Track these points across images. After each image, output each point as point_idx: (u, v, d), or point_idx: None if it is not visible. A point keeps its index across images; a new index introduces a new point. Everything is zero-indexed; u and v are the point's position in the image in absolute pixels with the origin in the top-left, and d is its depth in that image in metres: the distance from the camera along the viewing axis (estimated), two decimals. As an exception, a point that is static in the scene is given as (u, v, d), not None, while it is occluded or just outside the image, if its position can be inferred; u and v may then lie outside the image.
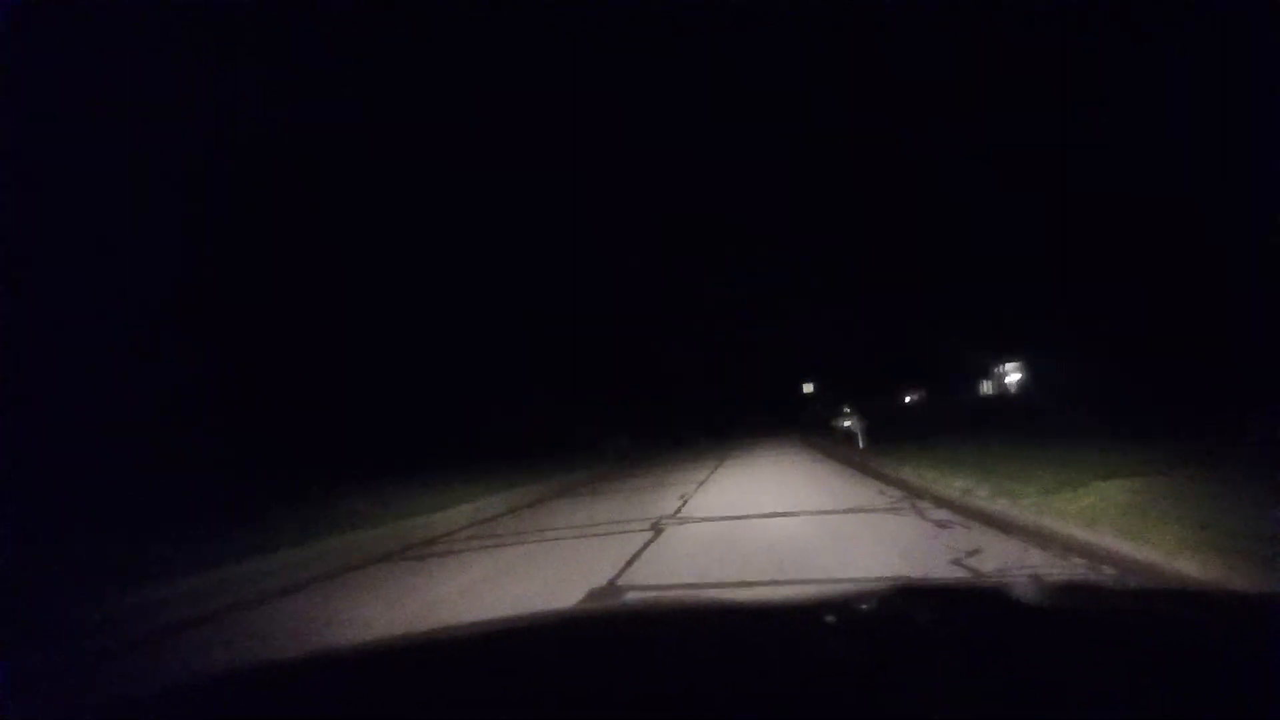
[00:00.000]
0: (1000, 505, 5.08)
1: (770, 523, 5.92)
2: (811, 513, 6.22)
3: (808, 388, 28.20)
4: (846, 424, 13.82)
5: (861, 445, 13.17)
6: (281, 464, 15.72)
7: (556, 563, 5.26)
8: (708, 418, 46.20)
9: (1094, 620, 1.01)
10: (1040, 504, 4.81)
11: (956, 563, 3.74)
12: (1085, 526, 3.96)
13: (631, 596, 3.87)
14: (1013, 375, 46.80)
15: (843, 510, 6.17)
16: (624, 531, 6.46)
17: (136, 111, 18.52)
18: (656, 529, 6.40)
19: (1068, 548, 3.77)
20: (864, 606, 1.20)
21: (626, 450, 21.18)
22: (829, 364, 34.27)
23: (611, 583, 4.28)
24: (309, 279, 24.22)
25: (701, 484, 10.52)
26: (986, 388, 50.61)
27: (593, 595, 3.95)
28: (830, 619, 1.14)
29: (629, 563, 4.86)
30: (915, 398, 49.16)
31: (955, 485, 6.33)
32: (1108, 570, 3.31)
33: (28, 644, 4.24)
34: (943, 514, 5.42)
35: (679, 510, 7.71)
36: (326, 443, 19.47)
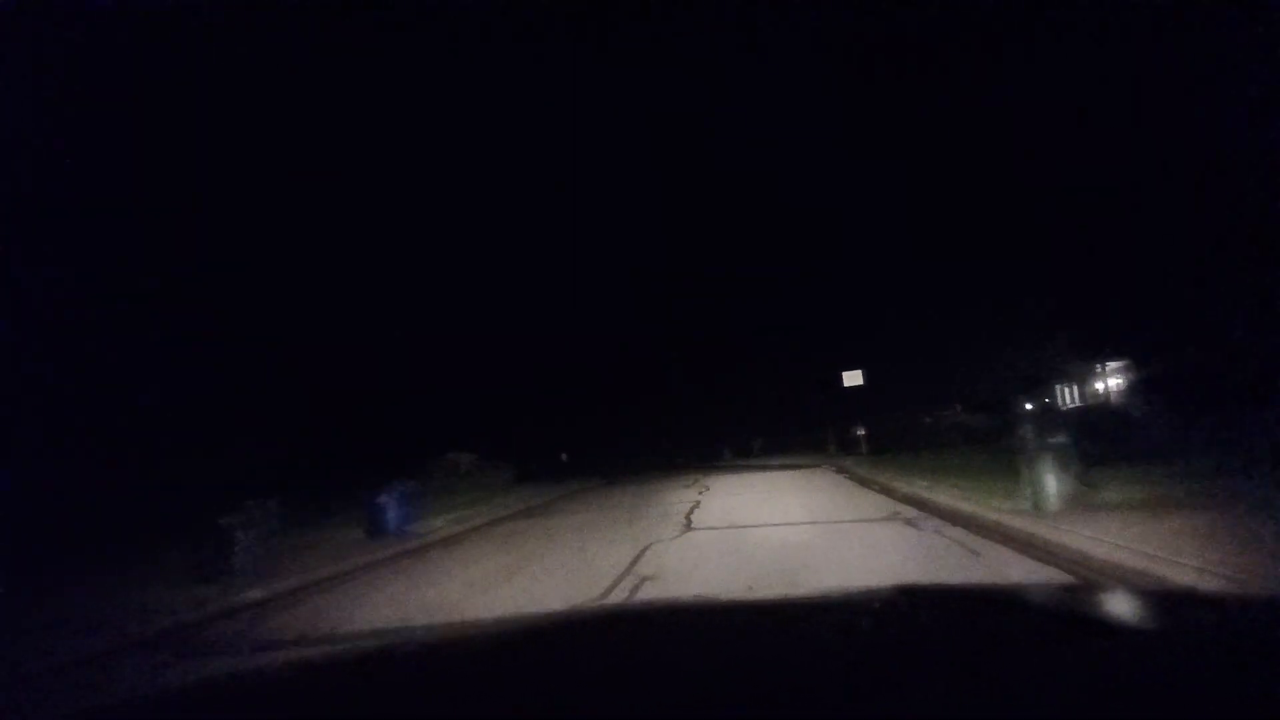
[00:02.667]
0: None
1: None
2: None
3: (851, 379, 15.25)
4: None
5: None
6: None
7: None
8: (690, 428, 33.36)
9: (1095, 624, 0.99)
10: None
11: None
12: None
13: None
14: (1114, 378, 34.31)
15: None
16: None
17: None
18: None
19: None
20: (865, 608, 1.19)
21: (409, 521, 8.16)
22: (868, 350, 21.54)
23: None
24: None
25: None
26: (1068, 396, 37.98)
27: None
28: (831, 620, 1.13)
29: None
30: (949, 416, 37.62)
31: None
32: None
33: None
34: None
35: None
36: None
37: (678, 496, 10.63)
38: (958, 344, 26.80)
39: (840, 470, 12.98)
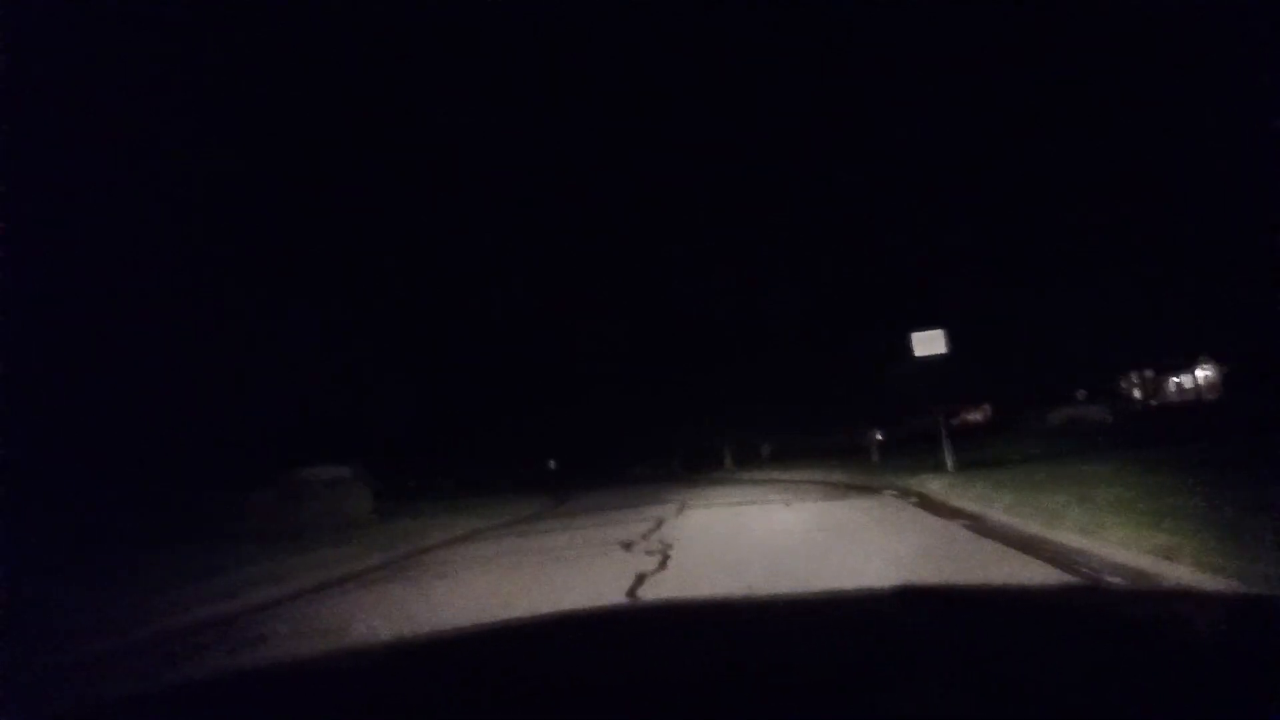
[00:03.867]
0: None
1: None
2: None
3: (926, 343, 9.44)
4: None
5: None
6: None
7: None
8: (690, 422, 27.97)
9: (1095, 623, 0.98)
10: None
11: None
12: None
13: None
14: (1207, 369, 28.54)
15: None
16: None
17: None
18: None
19: None
20: (868, 608, 1.19)
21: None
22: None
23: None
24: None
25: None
26: (1136, 395, 32.04)
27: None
28: (833, 620, 1.12)
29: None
30: (979, 417, 33.03)
31: None
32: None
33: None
34: None
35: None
36: None
37: (604, 575, 4.85)
38: (1038, 314, 20.92)
39: (926, 502, 7.16)
